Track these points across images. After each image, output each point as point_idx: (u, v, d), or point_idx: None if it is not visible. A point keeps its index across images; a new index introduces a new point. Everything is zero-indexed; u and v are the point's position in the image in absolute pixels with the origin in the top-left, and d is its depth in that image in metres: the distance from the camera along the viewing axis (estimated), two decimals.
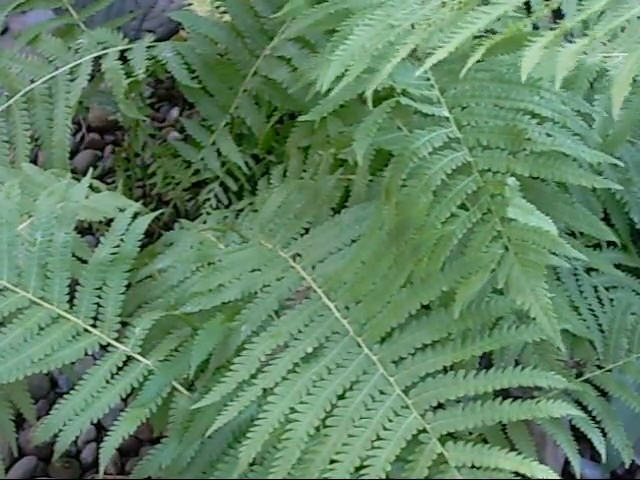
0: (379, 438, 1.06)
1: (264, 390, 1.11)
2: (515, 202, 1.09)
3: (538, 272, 1.08)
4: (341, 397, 1.10)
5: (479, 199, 1.12)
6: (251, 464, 1.11)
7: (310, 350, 1.14)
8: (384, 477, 1.03)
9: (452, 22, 1.03)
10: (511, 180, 1.10)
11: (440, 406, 1.09)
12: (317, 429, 1.07)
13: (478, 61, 1.22)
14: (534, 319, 1.08)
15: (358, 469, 1.04)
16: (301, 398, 1.09)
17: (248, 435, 1.08)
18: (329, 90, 1.13)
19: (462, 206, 1.13)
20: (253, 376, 1.12)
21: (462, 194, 1.13)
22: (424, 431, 1.07)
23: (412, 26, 1.08)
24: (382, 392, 1.10)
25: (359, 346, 1.15)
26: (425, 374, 1.11)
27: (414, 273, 1.14)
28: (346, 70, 1.10)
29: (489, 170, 1.14)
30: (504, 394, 1.11)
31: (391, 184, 1.16)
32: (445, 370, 1.11)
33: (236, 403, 1.10)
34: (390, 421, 1.08)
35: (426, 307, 1.15)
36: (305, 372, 1.12)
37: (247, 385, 1.12)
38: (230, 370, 1.13)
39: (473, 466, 1.03)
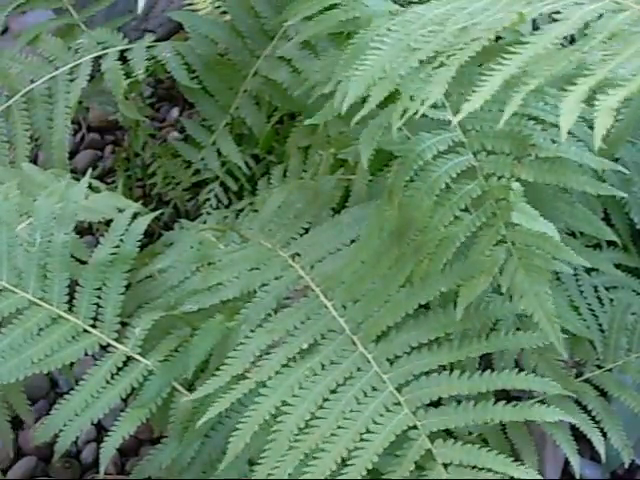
0: (368, 431, 1.06)
1: (257, 384, 1.11)
2: (520, 207, 1.08)
3: (542, 277, 1.08)
4: (333, 392, 1.10)
5: (483, 203, 1.12)
6: (251, 463, 1.11)
7: (305, 346, 1.14)
8: (370, 468, 1.03)
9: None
10: (516, 185, 1.10)
11: (435, 405, 1.09)
12: (307, 422, 1.08)
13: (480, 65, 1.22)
14: (536, 324, 1.08)
15: (345, 460, 1.04)
16: (293, 392, 1.10)
17: (237, 426, 1.08)
18: (332, 92, 1.12)
19: (466, 210, 1.13)
20: (247, 370, 1.12)
21: (466, 198, 1.13)
22: (414, 428, 1.07)
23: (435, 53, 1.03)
24: (374, 388, 1.10)
25: (354, 344, 1.15)
26: (419, 373, 1.11)
27: (414, 274, 1.14)
28: (368, 94, 1.06)
29: (494, 174, 1.14)
30: (504, 393, 1.11)
31: (395, 186, 1.16)
32: (440, 370, 1.11)
33: (228, 395, 1.10)
34: (381, 416, 1.08)
35: (425, 307, 1.15)
36: (298, 367, 1.12)
37: (241, 379, 1.12)
38: (224, 364, 1.13)
39: (461, 464, 1.03)
